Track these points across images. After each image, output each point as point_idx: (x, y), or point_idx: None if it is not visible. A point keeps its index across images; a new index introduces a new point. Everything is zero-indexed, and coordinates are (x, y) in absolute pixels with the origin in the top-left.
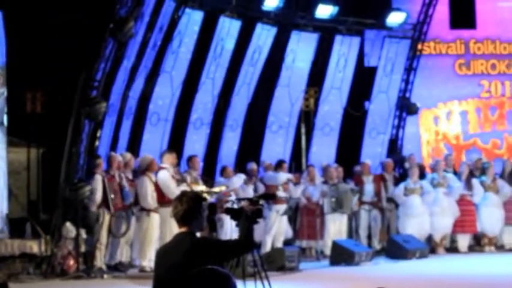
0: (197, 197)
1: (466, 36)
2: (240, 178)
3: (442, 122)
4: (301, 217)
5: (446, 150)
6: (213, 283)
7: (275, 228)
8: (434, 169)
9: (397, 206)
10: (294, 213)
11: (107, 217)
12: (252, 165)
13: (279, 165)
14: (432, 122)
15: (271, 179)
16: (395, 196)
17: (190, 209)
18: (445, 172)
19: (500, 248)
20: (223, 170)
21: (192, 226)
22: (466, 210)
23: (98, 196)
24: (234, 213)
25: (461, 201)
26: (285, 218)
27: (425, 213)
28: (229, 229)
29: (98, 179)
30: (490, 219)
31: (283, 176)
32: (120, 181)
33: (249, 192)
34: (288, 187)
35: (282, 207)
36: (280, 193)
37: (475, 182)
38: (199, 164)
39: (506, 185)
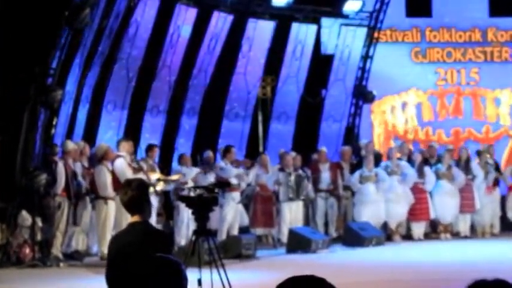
0: (143, 184)
1: (422, 24)
2: (192, 171)
3: (397, 112)
4: (255, 205)
5: (393, 141)
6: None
7: (230, 216)
8: (388, 157)
9: (353, 193)
10: (250, 201)
11: (67, 205)
12: (209, 153)
13: (227, 151)
14: (386, 111)
15: (223, 173)
16: (351, 184)
17: (137, 197)
18: (398, 160)
19: (456, 235)
20: (181, 158)
21: (144, 215)
22: (419, 198)
23: (62, 183)
24: (189, 201)
25: (415, 189)
26: (240, 206)
27: (380, 200)
28: (186, 217)
29: (61, 167)
30: (443, 207)
31: (234, 171)
32: (74, 169)
33: (210, 180)
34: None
35: (237, 194)
36: (234, 180)
37: (427, 170)
38: (157, 153)
39: (461, 173)
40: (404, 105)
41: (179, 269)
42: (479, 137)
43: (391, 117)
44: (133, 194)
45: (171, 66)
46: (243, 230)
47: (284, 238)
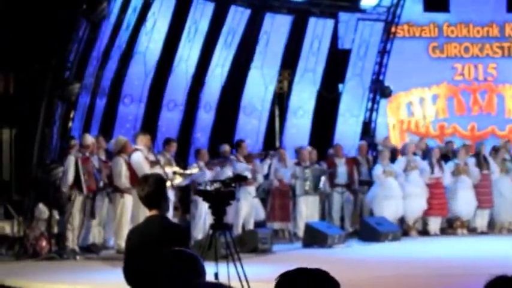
0: (161, 179)
1: (440, 19)
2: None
3: (414, 107)
4: (273, 199)
5: (409, 136)
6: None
7: (245, 211)
8: (403, 152)
9: (369, 188)
10: (267, 195)
11: (79, 198)
12: (225, 147)
13: (238, 145)
14: (403, 106)
15: (234, 169)
16: (374, 176)
17: (155, 192)
18: (414, 155)
19: (473, 230)
20: (198, 153)
21: (161, 209)
22: (437, 193)
23: (70, 177)
24: (206, 195)
25: (432, 185)
26: (256, 200)
27: (400, 195)
28: (203, 211)
29: (71, 160)
30: (465, 202)
31: (244, 166)
32: (93, 163)
33: (227, 174)
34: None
35: (252, 189)
36: (248, 174)
37: (444, 165)
38: (175, 147)
39: (476, 168)
40: (421, 100)
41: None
42: (499, 133)
43: (408, 112)
44: (151, 190)
45: (188, 61)
46: (259, 224)
47: (300, 232)
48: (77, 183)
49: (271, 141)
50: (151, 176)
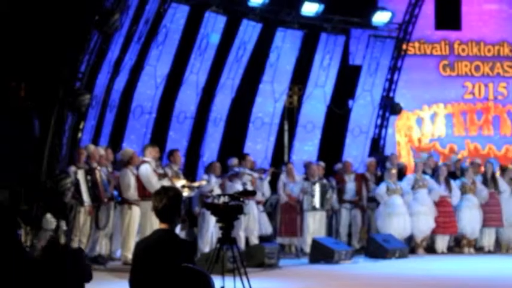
0: (178, 194)
1: (451, 37)
2: (210, 184)
3: (424, 125)
4: (282, 214)
5: (412, 153)
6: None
7: (247, 224)
8: (414, 170)
9: (377, 205)
10: (274, 210)
11: (82, 209)
12: (233, 161)
13: (242, 158)
14: (412, 124)
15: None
16: (377, 195)
17: (171, 206)
18: (423, 174)
19: (479, 249)
20: (210, 166)
21: (172, 224)
22: (445, 211)
23: (83, 188)
24: (214, 209)
25: (441, 203)
26: (264, 215)
27: (406, 213)
28: (211, 224)
29: (71, 171)
30: (470, 221)
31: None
32: (100, 174)
33: (237, 188)
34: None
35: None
36: (249, 187)
37: (452, 183)
38: (180, 158)
39: (484, 187)
40: (431, 117)
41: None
42: (498, 154)
43: (418, 130)
44: (168, 203)
45: (198, 73)
46: (266, 238)
47: (307, 248)
48: (78, 194)
49: (280, 156)
50: (171, 189)
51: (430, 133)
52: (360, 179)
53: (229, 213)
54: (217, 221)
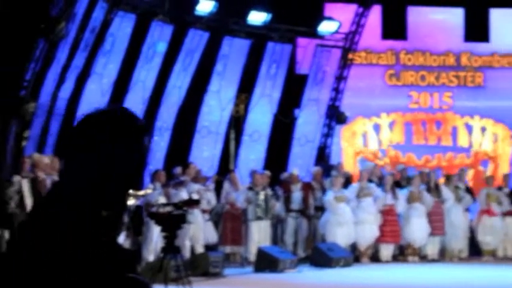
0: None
1: (397, 47)
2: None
3: (369, 134)
4: (225, 223)
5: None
6: None
7: (192, 232)
8: (358, 179)
9: (322, 213)
10: (220, 219)
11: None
12: (178, 170)
13: (186, 167)
14: (358, 133)
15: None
16: (326, 202)
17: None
18: (369, 182)
19: (423, 258)
20: (155, 174)
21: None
22: (390, 220)
23: (27, 200)
24: (158, 218)
25: (385, 211)
26: (209, 223)
27: (352, 221)
28: (156, 234)
29: (15, 180)
30: (417, 229)
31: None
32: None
33: (182, 196)
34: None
35: (197, 211)
36: (194, 196)
37: (398, 192)
38: None
39: (429, 196)
40: (376, 127)
41: None
42: (443, 164)
43: (363, 139)
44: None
45: (145, 82)
46: (211, 247)
47: (252, 257)
48: (20, 203)
49: (226, 164)
50: None
51: (376, 141)
52: (307, 188)
53: (172, 222)
54: (162, 231)
